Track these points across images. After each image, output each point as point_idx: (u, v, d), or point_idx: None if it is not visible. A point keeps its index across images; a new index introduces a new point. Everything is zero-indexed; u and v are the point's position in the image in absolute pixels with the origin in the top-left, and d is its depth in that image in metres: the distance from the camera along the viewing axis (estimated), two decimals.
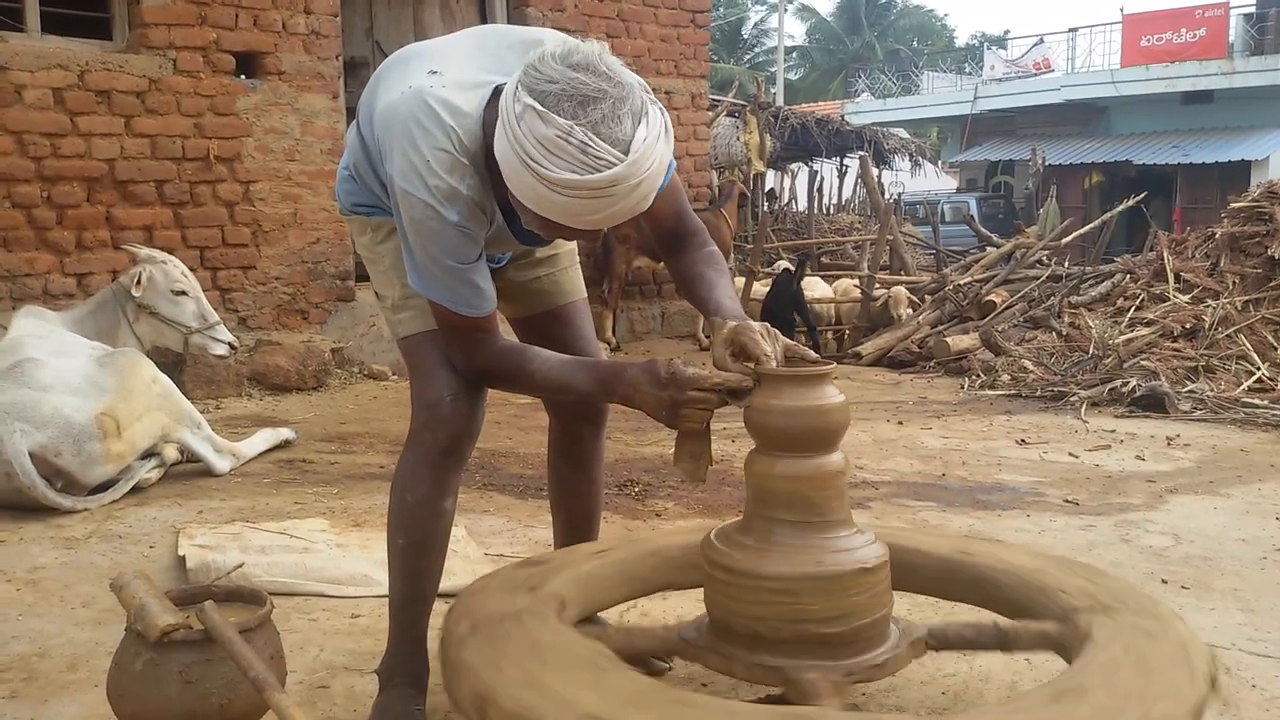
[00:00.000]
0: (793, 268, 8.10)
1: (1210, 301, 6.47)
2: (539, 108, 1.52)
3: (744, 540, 1.67)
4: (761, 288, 8.48)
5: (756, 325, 1.71)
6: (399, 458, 1.98)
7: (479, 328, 1.82)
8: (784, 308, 7.78)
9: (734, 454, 4.33)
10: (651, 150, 1.56)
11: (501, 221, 1.83)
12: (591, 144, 1.51)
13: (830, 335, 8.29)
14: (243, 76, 6.29)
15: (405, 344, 1.99)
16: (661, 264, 7.98)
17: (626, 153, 1.53)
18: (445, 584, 2.60)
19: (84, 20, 5.94)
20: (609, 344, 7.75)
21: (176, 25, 6.01)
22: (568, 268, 2.22)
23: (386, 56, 1.92)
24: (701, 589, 1.78)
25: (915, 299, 8.30)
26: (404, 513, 1.95)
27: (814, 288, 8.50)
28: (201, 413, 4.12)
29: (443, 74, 1.73)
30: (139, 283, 4.20)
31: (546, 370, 1.82)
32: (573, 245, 2.25)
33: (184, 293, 4.33)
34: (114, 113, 5.85)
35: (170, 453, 3.81)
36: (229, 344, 4.47)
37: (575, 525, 2.33)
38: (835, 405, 1.66)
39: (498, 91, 1.69)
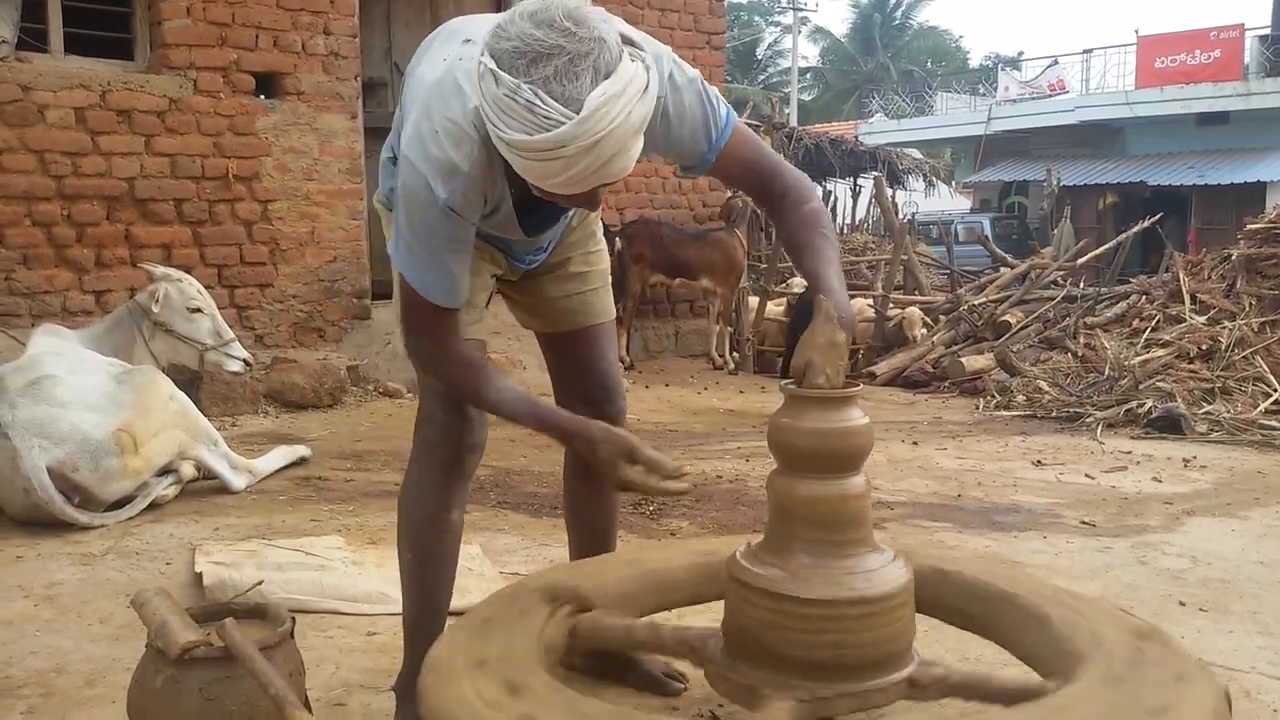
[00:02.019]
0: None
1: (1226, 323, 6.44)
2: (493, 67, 1.49)
3: (769, 560, 1.66)
4: (775, 307, 8.49)
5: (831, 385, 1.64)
6: (405, 473, 2.00)
7: (440, 317, 1.78)
8: (802, 328, 7.76)
9: (748, 473, 4.33)
10: (611, 107, 1.47)
11: (510, 209, 1.81)
12: (538, 102, 1.46)
13: None
14: (262, 97, 6.34)
15: None
16: (676, 282, 8.03)
17: (579, 111, 1.46)
18: (460, 602, 2.61)
19: (106, 41, 6.00)
20: (623, 362, 7.76)
21: (197, 46, 6.07)
22: (598, 288, 2.20)
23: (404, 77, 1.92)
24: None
25: (929, 319, 8.29)
26: (411, 527, 1.98)
27: None
28: (218, 430, 4.14)
29: (475, 43, 1.71)
30: (158, 300, 4.23)
31: (514, 390, 1.80)
32: (605, 266, 2.23)
33: (199, 310, 4.35)
34: (134, 132, 5.91)
35: (187, 469, 3.83)
36: (244, 361, 4.49)
37: (590, 543, 2.33)
38: (860, 427, 1.65)
39: None
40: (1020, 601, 1.75)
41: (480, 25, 1.81)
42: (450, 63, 1.72)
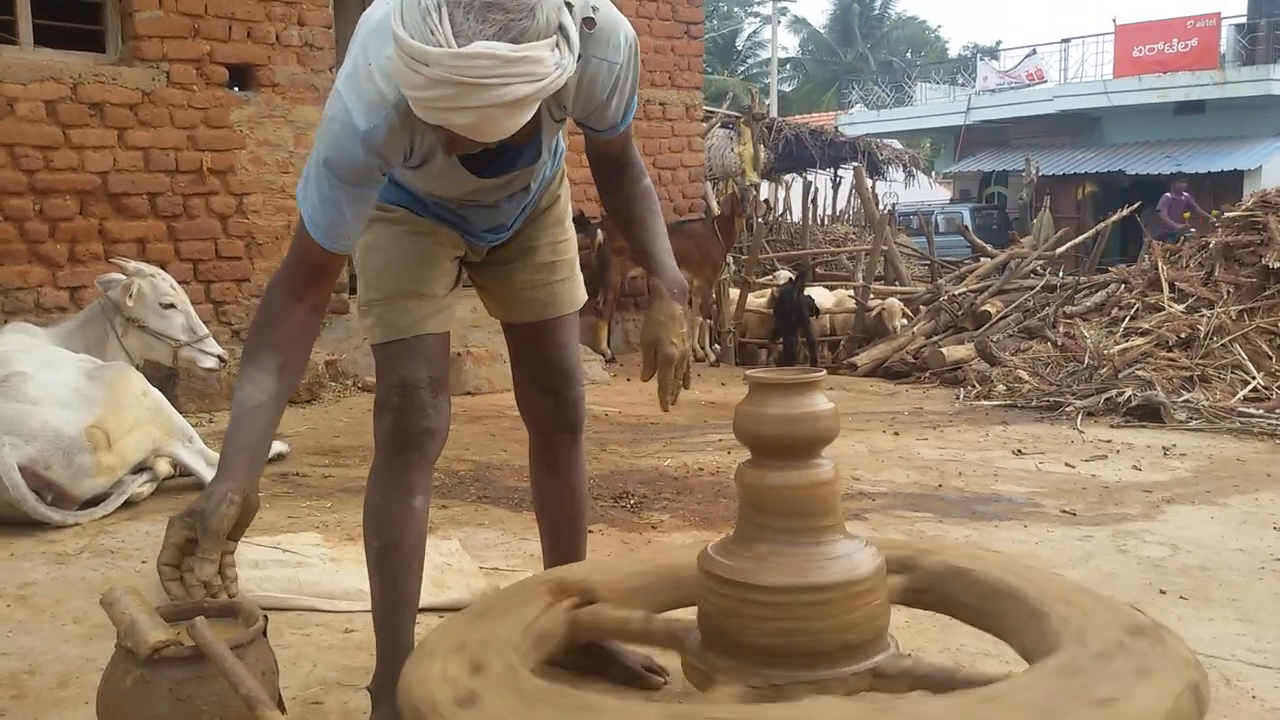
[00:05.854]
0: (794, 277, 8.09)
1: (1205, 311, 6.47)
2: None
3: (736, 550, 1.66)
4: (756, 299, 8.48)
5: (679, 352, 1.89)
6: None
7: (315, 261, 1.72)
8: (787, 319, 7.75)
9: (730, 465, 4.32)
10: (490, 65, 1.42)
11: (447, 160, 1.76)
12: (433, 16, 1.42)
13: (825, 347, 8.28)
14: (236, 89, 6.28)
15: (373, 351, 2.02)
16: None
17: (461, 47, 1.41)
18: (441, 598, 2.61)
19: (77, 33, 5.93)
20: (604, 355, 7.72)
21: (170, 38, 6.00)
22: (565, 279, 2.20)
23: None
24: None
25: (910, 310, 8.30)
26: (375, 514, 1.97)
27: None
28: (194, 426, 4.10)
29: None
30: (132, 295, 4.16)
31: (246, 396, 1.67)
32: (574, 255, 2.23)
33: (172, 306, 4.30)
34: (107, 125, 5.84)
35: (162, 466, 3.79)
36: (218, 357, 4.43)
37: (560, 533, 2.34)
38: (824, 411, 1.65)
39: None
40: (1025, 599, 1.71)
41: None
42: (394, 2, 1.69)
